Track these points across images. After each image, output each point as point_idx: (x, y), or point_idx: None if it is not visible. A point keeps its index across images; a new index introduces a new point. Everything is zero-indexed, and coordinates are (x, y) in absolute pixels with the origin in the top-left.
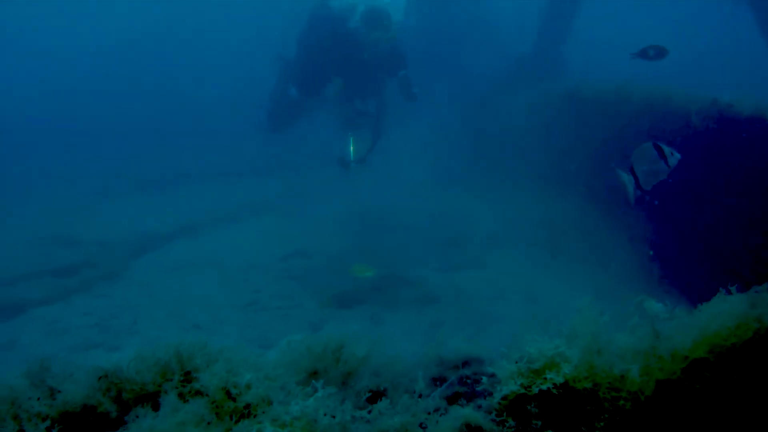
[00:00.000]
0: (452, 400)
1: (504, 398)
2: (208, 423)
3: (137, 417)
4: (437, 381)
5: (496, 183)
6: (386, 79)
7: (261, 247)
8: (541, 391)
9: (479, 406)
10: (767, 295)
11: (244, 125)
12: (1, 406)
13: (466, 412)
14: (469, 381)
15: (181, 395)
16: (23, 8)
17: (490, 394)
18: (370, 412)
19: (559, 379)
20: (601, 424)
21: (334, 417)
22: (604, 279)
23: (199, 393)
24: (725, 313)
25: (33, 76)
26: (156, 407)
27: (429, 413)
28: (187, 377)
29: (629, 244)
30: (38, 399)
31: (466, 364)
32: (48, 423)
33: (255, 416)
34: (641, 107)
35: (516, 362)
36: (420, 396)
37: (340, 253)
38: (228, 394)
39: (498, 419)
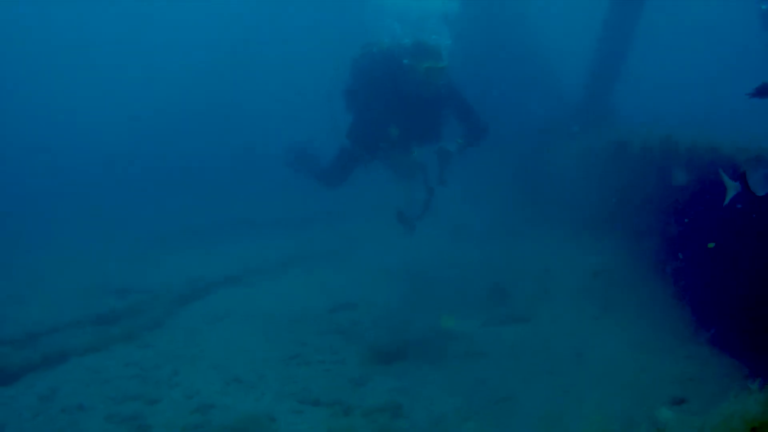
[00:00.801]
0: None
1: None
2: None
3: None
4: None
5: (546, 232)
6: (445, 117)
7: (309, 297)
8: None
9: None
10: None
11: (295, 173)
12: None
13: None
14: None
15: None
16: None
17: None
18: None
19: None
20: None
21: None
22: (650, 332)
23: None
24: (738, 416)
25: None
26: None
27: None
28: None
29: (674, 298)
30: None
31: None
32: None
33: None
34: (688, 157)
35: None
36: None
37: (386, 305)
38: None
39: None
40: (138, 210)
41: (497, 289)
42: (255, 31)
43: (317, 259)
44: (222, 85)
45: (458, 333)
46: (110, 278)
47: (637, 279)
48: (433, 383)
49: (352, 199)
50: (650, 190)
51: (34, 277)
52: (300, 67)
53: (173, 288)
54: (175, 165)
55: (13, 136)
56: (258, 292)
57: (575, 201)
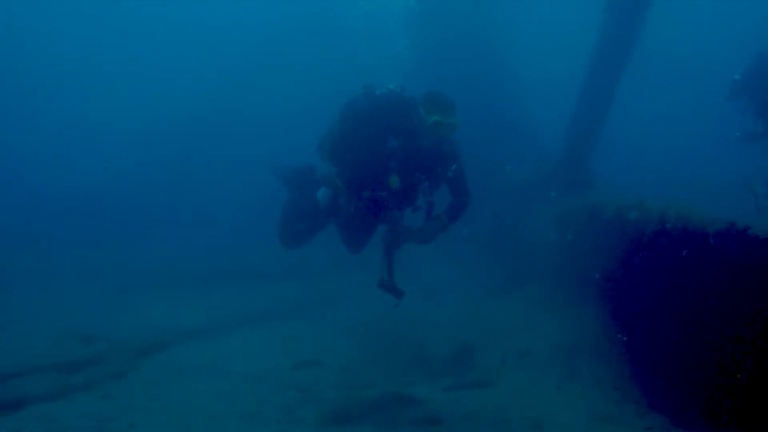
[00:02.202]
0: None
1: None
2: None
3: None
4: None
5: (517, 296)
6: (438, 175)
7: (273, 353)
8: None
9: None
10: None
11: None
12: None
13: None
14: None
15: None
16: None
17: None
18: None
19: None
20: None
21: None
22: (613, 402)
23: None
24: None
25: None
26: None
27: None
28: None
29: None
30: None
31: None
32: None
33: None
34: (660, 225)
35: None
36: None
37: (350, 364)
38: None
39: None
40: (116, 254)
41: (463, 352)
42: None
43: (285, 313)
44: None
45: (418, 397)
46: (79, 324)
47: (604, 347)
48: None
49: (324, 253)
50: (619, 257)
51: (3, 319)
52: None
53: (139, 338)
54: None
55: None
56: (222, 346)
57: (549, 265)
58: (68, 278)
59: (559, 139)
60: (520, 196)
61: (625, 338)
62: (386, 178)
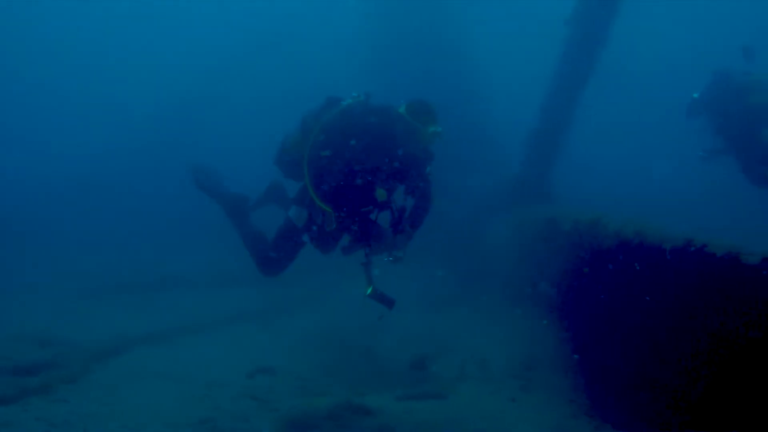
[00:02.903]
0: None
1: None
2: None
3: None
4: None
5: (477, 309)
6: (412, 179)
7: (229, 360)
8: None
9: None
10: None
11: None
12: None
13: None
14: None
15: None
16: None
17: None
18: None
19: None
20: None
21: None
22: (567, 415)
23: None
24: None
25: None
26: None
27: None
28: None
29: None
30: None
31: None
32: None
33: None
34: (617, 240)
35: None
36: None
37: (306, 372)
38: None
39: None
40: (74, 258)
41: (418, 362)
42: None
43: (242, 320)
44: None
45: (372, 407)
46: (36, 328)
47: (559, 360)
48: None
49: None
50: (576, 271)
51: None
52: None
53: (95, 343)
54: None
55: None
56: (178, 352)
57: (506, 276)
58: (27, 281)
59: (518, 146)
60: (478, 206)
61: (577, 357)
62: (373, 191)
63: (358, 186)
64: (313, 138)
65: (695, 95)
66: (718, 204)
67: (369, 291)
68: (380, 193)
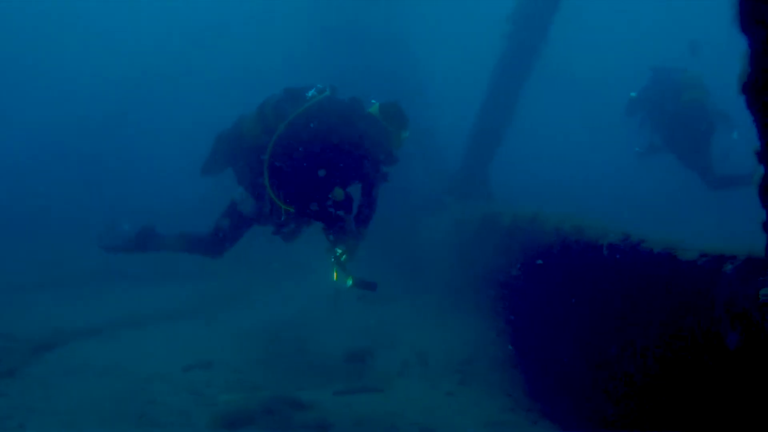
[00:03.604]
0: None
1: None
2: None
3: None
4: None
5: (416, 305)
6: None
7: (166, 355)
8: None
9: None
10: None
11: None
12: None
13: None
14: None
15: None
16: None
17: None
18: None
19: None
20: None
21: None
22: (505, 409)
23: None
24: None
25: None
26: None
27: None
28: None
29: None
30: None
31: None
32: None
33: None
34: (555, 236)
35: None
36: None
37: (244, 366)
38: None
39: None
40: (12, 251)
41: (357, 356)
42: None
43: (181, 314)
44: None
45: (309, 401)
46: None
47: (498, 355)
48: None
49: (229, 256)
50: (514, 267)
51: None
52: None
53: (33, 337)
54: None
55: None
56: (118, 345)
57: (445, 272)
58: None
59: (457, 143)
60: (417, 203)
61: (512, 349)
62: (330, 190)
63: (317, 185)
64: (277, 133)
65: (633, 94)
66: (661, 200)
67: (350, 282)
68: (338, 193)
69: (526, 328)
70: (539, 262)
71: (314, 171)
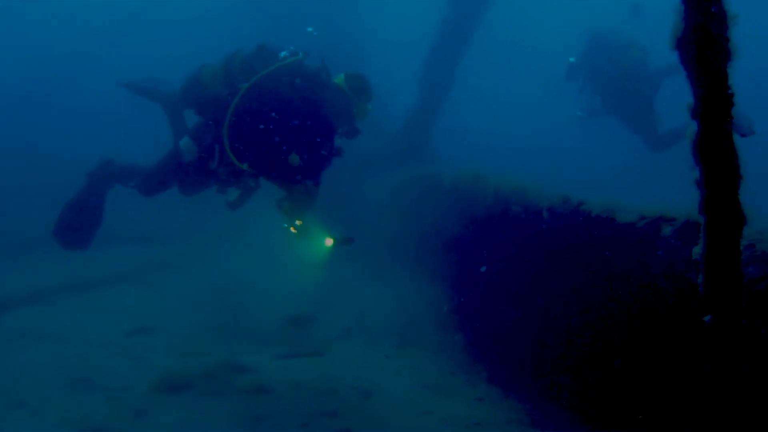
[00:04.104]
0: None
1: None
2: None
3: None
4: None
5: (360, 266)
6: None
7: (106, 320)
8: None
9: None
10: None
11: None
12: None
13: None
14: None
15: None
16: None
17: None
18: None
19: None
20: None
21: None
22: (445, 372)
23: None
24: None
25: None
26: None
27: None
28: None
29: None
30: None
31: None
32: None
33: None
34: (496, 198)
35: None
36: None
37: (184, 332)
38: None
39: None
40: None
41: (297, 320)
42: None
43: (122, 278)
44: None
45: (248, 365)
46: None
47: (440, 318)
48: (215, 417)
49: (165, 217)
50: (455, 228)
51: None
52: None
53: None
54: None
55: None
56: (58, 311)
57: (389, 235)
58: None
59: (400, 107)
60: (360, 166)
61: (453, 311)
62: (288, 155)
63: (275, 148)
64: (244, 88)
65: (571, 59)
66: (603, 163)
67: (333, 242)
68: (293, 158)
69: (468, 290)
70: (483, 269)
71: (273, 134)
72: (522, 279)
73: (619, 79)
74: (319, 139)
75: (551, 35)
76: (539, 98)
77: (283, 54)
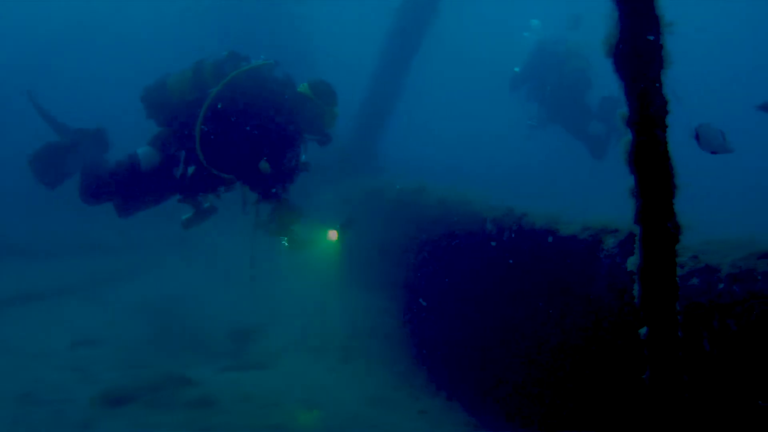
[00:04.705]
0: None
1: None
2: None
3: None
4: None
5: (302, 280)
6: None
7: (52, 332)
8: None
9: None
10: None
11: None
12: None
13: None
14: None
15: None
16: None
17: None
18: None
19: None
20: None
21: None
22: (389, 385)
23: None
24: None
25: None
26: None
27: None
28: None
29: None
30: None
31: None
32: None
33: None
34: (440, 209)
35: None
36: None
37: (130, 344)
38: None
39: None
40: None
41: (243, 333)
42: None
43: (68, 290)
44: None
45: (194, 378)
46: None
47: (386, 331)
48: (160, 430)
49: (113, 230)
50: (400, 240)
51: None
52: None
53: None
54: None
55: None
56: (3, 323)
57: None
58: None
59: (347, 117)
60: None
61: (399, 323)
62: (258, 161)
63: (245, 153)
64: (216, 91)
65: (516, 69)
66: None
67: (337, 232)
68: (264, 165)
69: (413, 303)
70: (423, 303)
71: (243, 139)
72: (466, 291)
73: (561, 88)
74: (287, 147)
75: (497, 46)
76: (488, 109)
77: (256, 63)
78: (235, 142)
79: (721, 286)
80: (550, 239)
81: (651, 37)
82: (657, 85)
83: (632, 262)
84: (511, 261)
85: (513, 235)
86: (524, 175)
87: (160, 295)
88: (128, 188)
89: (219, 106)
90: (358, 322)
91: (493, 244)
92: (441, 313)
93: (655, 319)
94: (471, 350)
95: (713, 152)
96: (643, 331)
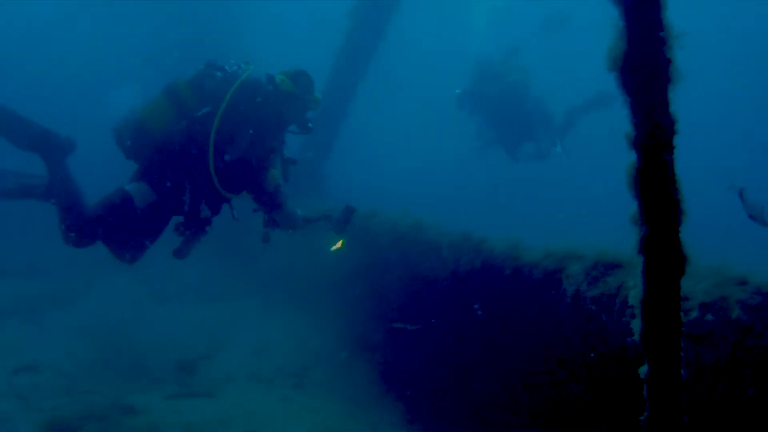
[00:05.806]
0: None
1: None
2: None
3: None
4: None
5: (256, 303)
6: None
7: None
8: None
9: None
10: None
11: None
12: None
13: None
14: None
15: None
16: None
17: None
18: None
19: None
20: None
21: None
22: (345, 415)
23: None
24: None
25: None
26: None
27: None
28: None
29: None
30: None
31: None
32: None
33: None
34: (393, 234)
35: None
36: None
37: (73, 370)
38: None
39: None
40: None
41: (189, 360)
42: None
43: (9, 314)
44: None
45: (139, 406)
46: None
47: (341, 358)
48: None
49: (59, 251)
50: (354, 264)
51: None
52: None
53: None
54: None
55: None
56: None
57: (286, 271)
58: None
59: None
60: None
61: (352, 351)
62: (267, 173)
63: (257, 166)
64: (220, 113)
65: (458, 91)
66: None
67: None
68: (272, 175)
69: (369, 328)
70: (399, 325)
71: (251, 157)
72: (423, 315)
73: (501, 100)
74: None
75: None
76: (436, 132)
77: (233, 68)
78: (244, 161)
79: (694, 315)
80: (510, 266)
81: (659, 51)
82: (665, 102)
83: (634, 296)
84: (469, 287)
85: (471, 261)
86: (479, 197)
87: (101, 318)
88: (126, 227)
89: (224, 131)
90: (311, 348)
91: (450, 269)
92: (397, 340)
93: (657, 358)
94: (429, 379)
95: (751, 217)
96: (643, 369)
